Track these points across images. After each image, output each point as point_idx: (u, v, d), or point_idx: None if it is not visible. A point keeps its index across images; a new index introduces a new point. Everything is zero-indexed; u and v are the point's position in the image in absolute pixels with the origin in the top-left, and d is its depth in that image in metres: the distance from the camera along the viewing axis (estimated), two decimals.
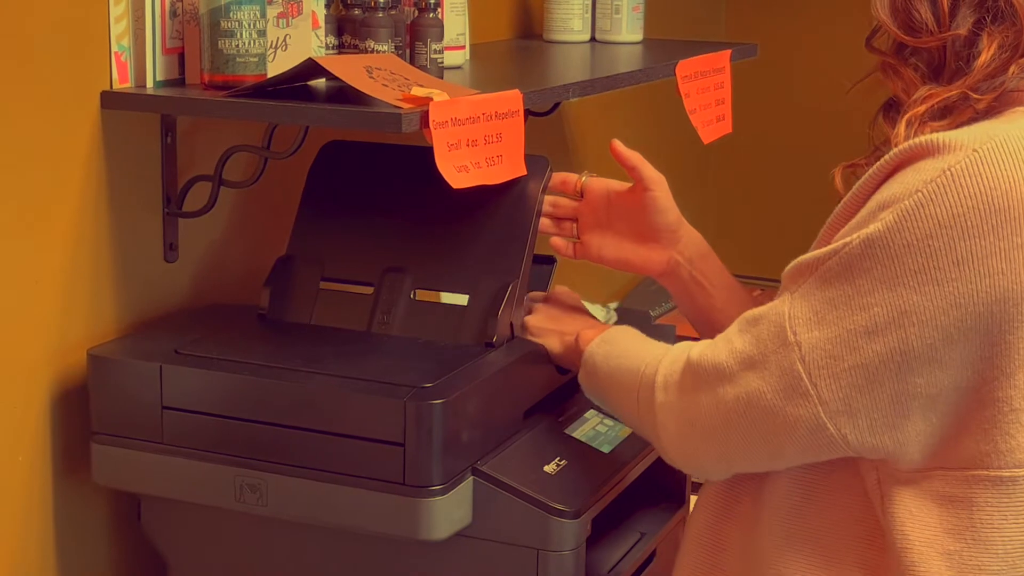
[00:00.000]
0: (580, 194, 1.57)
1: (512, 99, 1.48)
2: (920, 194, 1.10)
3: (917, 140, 1.14)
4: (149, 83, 1.49)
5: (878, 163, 1.16)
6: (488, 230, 1.54)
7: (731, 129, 2.05)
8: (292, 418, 1.35)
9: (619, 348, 1.39)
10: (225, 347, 1.43)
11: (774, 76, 2.97)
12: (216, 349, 1.43)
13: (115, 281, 1.53)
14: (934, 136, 1.13)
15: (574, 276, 1.94)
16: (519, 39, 2.25)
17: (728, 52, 2.06)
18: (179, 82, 1.51)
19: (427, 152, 1.36)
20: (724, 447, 1.24)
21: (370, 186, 1.60)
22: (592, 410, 1.55)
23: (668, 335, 2.34)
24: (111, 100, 1.46)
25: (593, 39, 2.19)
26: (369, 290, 1.54)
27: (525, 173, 1.51)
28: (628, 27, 2.18)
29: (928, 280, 1.10)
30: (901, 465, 1.17)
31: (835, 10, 2.88)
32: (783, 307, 1.19)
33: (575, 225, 1.58)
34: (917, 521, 1.16)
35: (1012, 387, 1.12)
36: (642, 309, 2.50)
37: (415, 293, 1.54)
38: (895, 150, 1.15)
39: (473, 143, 1.41)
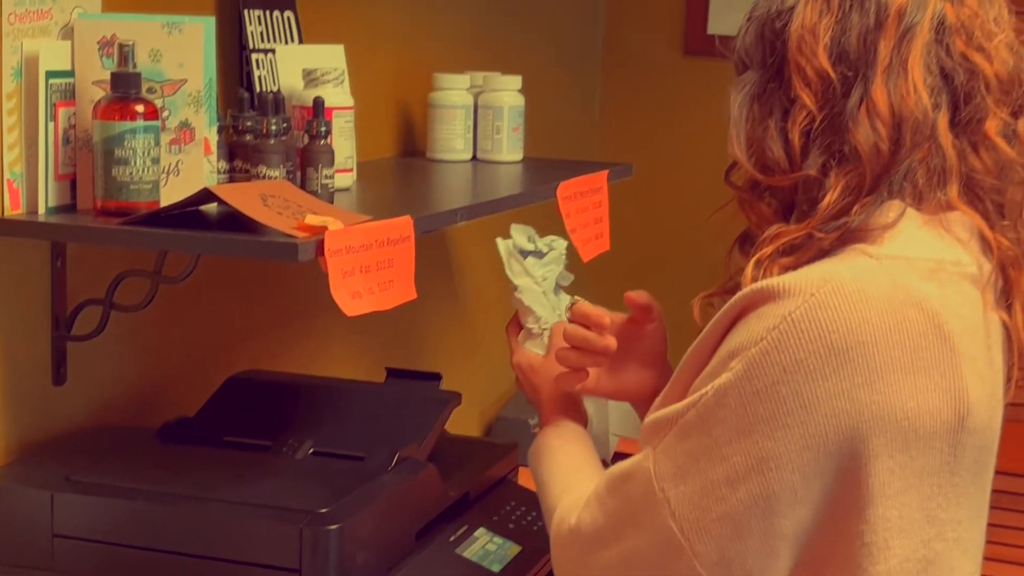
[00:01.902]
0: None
1: (403, 225, 1.52)
2: (764, 342, 1.14)
3: (758, 286, 1.18)
4: (41, 209, 1.49)
5: (724, 308, 1.20)
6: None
7: (609, 246, 2.12)
8: (188, 546, 1.35)
9: (544, 465, 1.42)
10: (118, 473, 1.43)
11: (648, 194, 3.07)
12: (109, 475, 1.43)
13: (1, 405, 1.52)
14: (773, 282, 1.17)
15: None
16: (403, 157, 2.30)
17: (605, 173, 2.13)
18: (71, 208, 1.52)
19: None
20: None
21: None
22: (482, 528, 1.58)
23: None
24: (3, 227, 1.46)
25: (475, 158, 2.25)
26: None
27: (415, 297, 1.54)
28: (508, 147, 2.24)
29: (780, 425, 1.14)
30: None
31: (706, 130, 3.00)
32: (648, 464, 1.21)
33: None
34: None
35: (864, 521, 1.16)
36: (520, 418, 2.55)
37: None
38: (738, 295, 1.19)
39: (366, 269, 1.45)
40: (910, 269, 1.18)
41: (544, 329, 1.56)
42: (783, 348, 1.14)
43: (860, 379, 1.14)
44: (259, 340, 1.96)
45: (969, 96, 1.22)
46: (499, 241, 1.59)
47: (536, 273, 1.59)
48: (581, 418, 1.50)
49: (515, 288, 1.57)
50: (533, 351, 1.55)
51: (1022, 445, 2.94)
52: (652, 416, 1.23)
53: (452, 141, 2.22)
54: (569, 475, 1.39)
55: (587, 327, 1.45)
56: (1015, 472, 2.92)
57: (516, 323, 1.59)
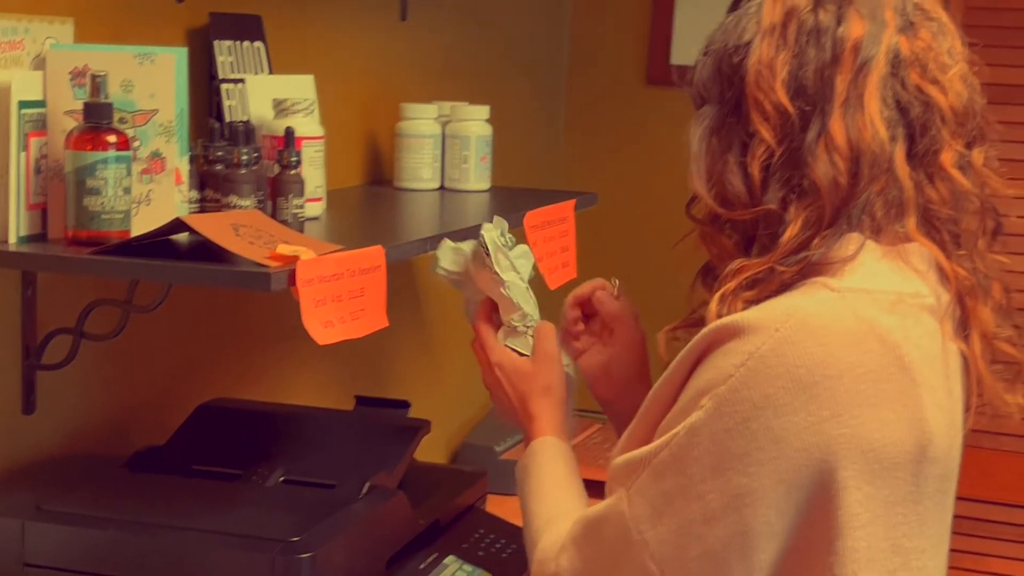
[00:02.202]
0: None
1: (374, 255, 1.54)
2: (734, 379, 1.15)
3: (722, 322, 1.19)
4: (12, 238, 1.49)
5: (689, 344, 1.21)
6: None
7: (576, 275, 2.14)
8: (159, 575, 1.35)
9: (530, 483, 1.40)
10: (88, 502, 1.44)
11: (614, 222, 3.09)
12: (79, 504, 1.43)
13: None
14: (738, 318, 1.18)
15: None
16: (370, 185, 2.32)
17: (572, 202, 2.15)
18: (42, 237, 1.52)
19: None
20: None
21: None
22: (452, 556, 1.59)
23: (513, 469, 2.41)
24: None
25: (442, 187, 2.27)
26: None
27: (387, 325, 1.56)
28: (476, 176, 2.26)
29: (753, 461, 1.15)
30: None
31: (669, 159, 3.03)
32: (622, 506, 1.21)
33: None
34: None
35: (832, 553, 1.17)
36: (486, 445, 2.56)
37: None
38: (703, 332, 1.20)
39: (338, 299, 1.46)
40: (871, 302, 1.20)
41: (529, 327, 1.50)
42: (752, 384, 1.15)
43: (827, 412, 1.15)
44: (229, 368, 1.97)
45: (925, 128, 1.24)
46: (485, 231, 1.51)
47: (521, 268, 1.54)
48: (565, 432, 1.47)
49: (502, 283, 1.49)
50: (517, 350, 1.50)
51: (982, 471, 2.99)
52: (623, 458, 1.24)
53: (420, 170, 2.23)
54: (556, 502, 1.37)
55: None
56: (975, 498, 2.96)
57: (487, 319, 1.52)
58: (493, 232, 1.52)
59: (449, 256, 1.56)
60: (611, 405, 1.53)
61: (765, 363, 1.15)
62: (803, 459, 1.15)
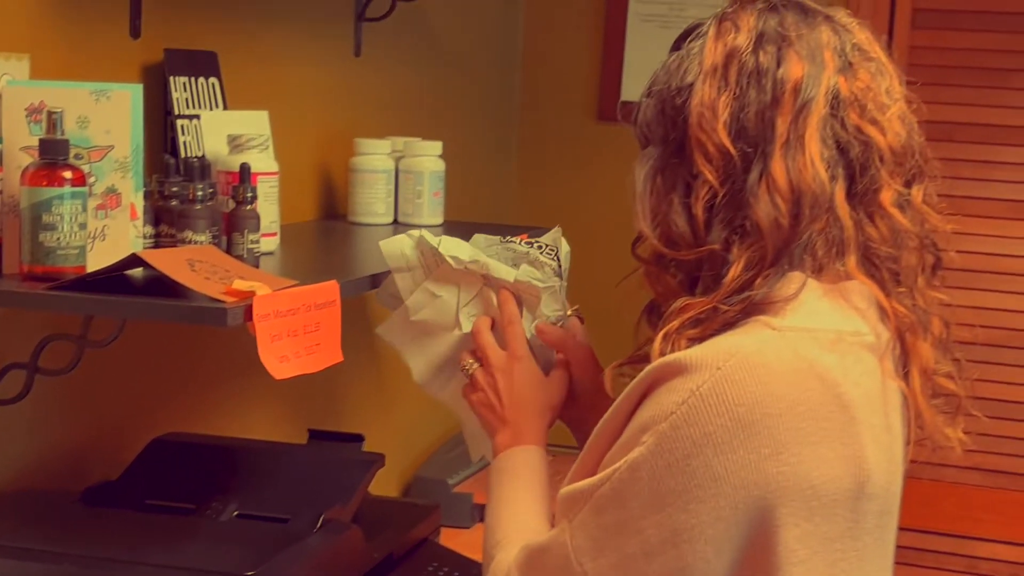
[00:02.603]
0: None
1: (329, 290, 1.55)
2: (675, 416, 1.17)
3: (666, 360, 1.20)
4: None
5: (634, 381, 1.23)
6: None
7: None
8: None
9: (503, 489, 1.41)
10: (42, 537, 1.44)
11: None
12: (33, 539, 1.43)
13: None
14: (681, 356, 1.20)
15: None
16: (324, 220, 2.33)
17: (524, 236, 2.17)
18: None
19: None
20: None
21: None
22: None
23: (465, 502, 2.42)
24: None
25: (396, 221, 2.29)
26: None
27: (342, 360, 1.57)
28: (429, 211, 2.28)
29: (692, 498, 1.17)
30: None
31: (620, 195, 3.06)
32: (564, 537, 1.23)
33: None
34: None
35: None
36: (439, 478, 2.56)
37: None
38: (648, 369, 1.22)
39: (293, 333, 1.47)
40: (812, 340, 1.21)
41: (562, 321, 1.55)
42: (693, 422, 1.17)
43: (767, 451, 1.17)
44: (183, 402, 1.97)
45: (865, 168, 1.25)
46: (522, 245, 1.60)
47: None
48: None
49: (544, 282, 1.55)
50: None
51: (923, 502, 3.03)
52: (567, 489, 1.25)
53: (374, 205, 2.25)
54: (521, 518, 1.38)
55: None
56: (918, 528, 3.00)
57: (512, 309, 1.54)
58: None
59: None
60: (582, 423, 1.54)
61: (706, 401, 1.17)
62: (742, 496, 1.17)
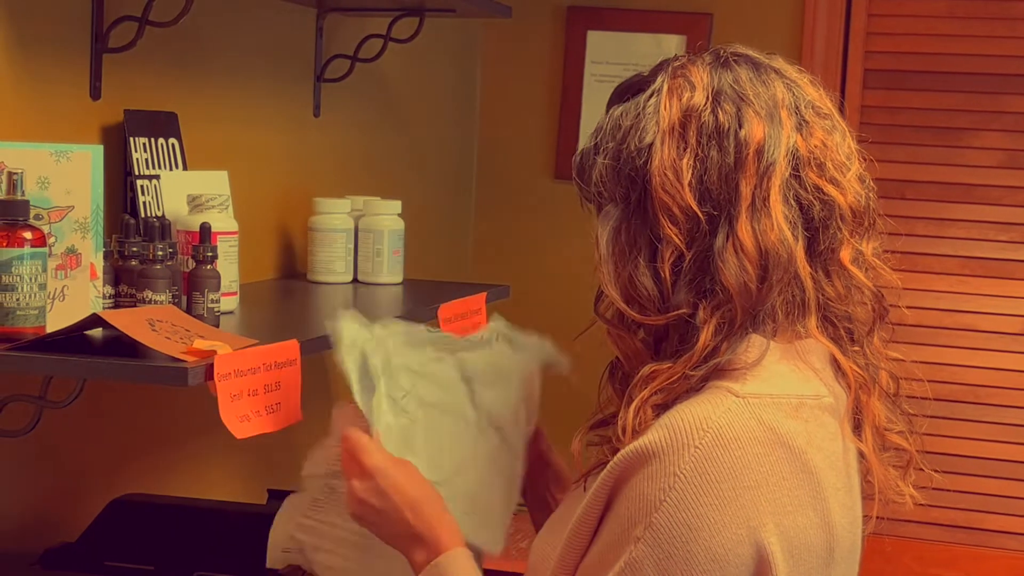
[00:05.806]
0: None
1: (290, 349, 1.55)
2: (666, 504, 1.16)
3: (634, 449, 1.19)
4: None
5: (602, 475, 1.21)
6: None
7: None
8: None
9: None
10: None
11: (524, 315, 3.12)
12: None
13: None
14: (647, 443, 1.18)
15: None
16: (284, 279, 2.33)
17: (484, 294, 2.19)
18: None
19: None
20: None
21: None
22: None
23: None
24: None
25: (355, 280, 2.29)
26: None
27: (301, 419, 1.57)
28: (388, 269, 2.29)
29: None
30: None
31: (578, 252, 3.09)
32: None
33: None
34: None
35: None
36: None
37: None
38: (615, 460, 1.20)
39: (254, 392, 1.47)
40: (775, 407, 1.21)
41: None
42: (685, 507, 1.16)
43: (755, 523, 1.18)
44: (142, 462, 1.96)
45: (826, 226, 1.25)
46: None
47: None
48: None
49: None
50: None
51: (883, 558, 3.04)
52: None
53: (333, 263, 2.26)
54: None
55: None
56: None
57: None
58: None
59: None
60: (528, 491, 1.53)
61: (691, 483, 1.16)
62: (740, 572, 1.18)
